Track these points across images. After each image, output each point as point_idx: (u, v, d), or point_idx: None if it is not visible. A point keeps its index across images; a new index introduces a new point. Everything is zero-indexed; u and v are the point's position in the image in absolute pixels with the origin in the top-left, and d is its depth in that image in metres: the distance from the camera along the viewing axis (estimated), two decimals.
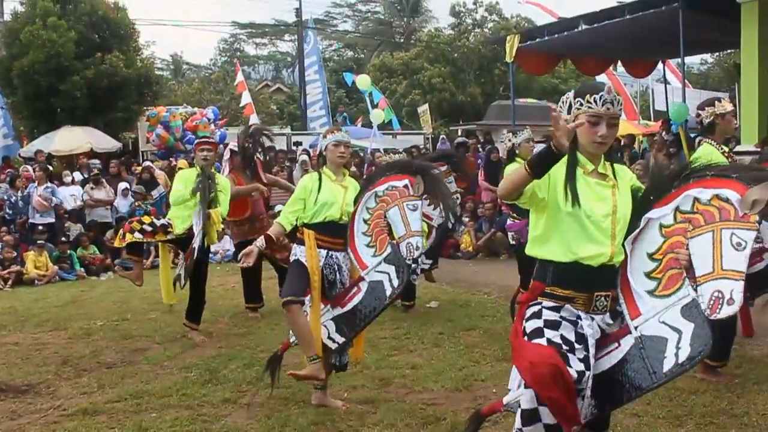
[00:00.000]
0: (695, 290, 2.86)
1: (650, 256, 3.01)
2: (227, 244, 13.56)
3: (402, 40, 42.89)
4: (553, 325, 2.98)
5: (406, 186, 4.71)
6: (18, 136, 19.11)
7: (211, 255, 13.57)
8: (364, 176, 15.12)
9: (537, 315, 3.03)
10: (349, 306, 4.78)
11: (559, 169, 2.94)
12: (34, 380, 5.89)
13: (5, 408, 5.22)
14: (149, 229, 7.07)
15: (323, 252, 4.90)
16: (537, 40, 14.36)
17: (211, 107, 19.60)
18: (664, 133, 15.10)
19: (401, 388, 5.34)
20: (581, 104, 2.98)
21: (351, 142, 5.18)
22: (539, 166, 2.83)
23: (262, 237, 4.91)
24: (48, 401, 5.36)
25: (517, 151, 6.88)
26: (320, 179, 4.97)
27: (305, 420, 4.65)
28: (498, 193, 3.09)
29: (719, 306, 2.75)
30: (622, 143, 15.93)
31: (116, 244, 7.30)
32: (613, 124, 2.99)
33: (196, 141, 7.52)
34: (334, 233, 4.90)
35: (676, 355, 2.90)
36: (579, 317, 3.01)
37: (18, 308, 9.39)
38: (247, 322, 7.83)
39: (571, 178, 2.95)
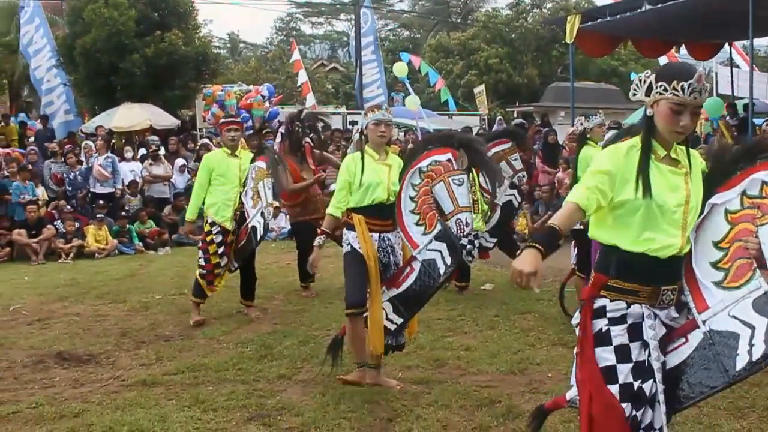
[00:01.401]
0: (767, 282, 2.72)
1: (716, 244, 2.83)
2: (282, 222, 13.68)
3: (459, 20, 42.52)
4: (625, 356, 2.77)
5: (449, 160, 4.64)
6: (80, 113, 19.51)
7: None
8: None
9: (606, 338, 2.79)
10: (404, 286, 4.76)
11: (629, 157, 2.77)
12: (95, 350, 6.04)
13: (68, 376, 5.38)
14: (224, 261, 6.96)
15: (375, 236, 4.84)
16: (598, 20, 14.07)
17: (266, 84, 19.68)
18: (728, 117, 14.72)
19: (456, 369, 5.32)
20: (665, 89, 2.69)
21: (392, 121, 5.05)
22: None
23: (321, 235, 4.97)
24: (108, 371, 5.49)
25: (588, 136, 6.74)
26: (363, 160, 4.86)
27: (360, 398, 4.67)
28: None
29: None
30: None
31: (209, 293, 7.05)
32: (697, 113, 2.76)
33: (221, 121, 7.28)
34: (384, 215, 4.85)
35: (750, 352, 2.73)
36: (642, 317, 2.80)
37: (79, 280, 9.63)
38: (302, 300, 7.88)
39: (644, 168, 2.73)
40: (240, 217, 6.94)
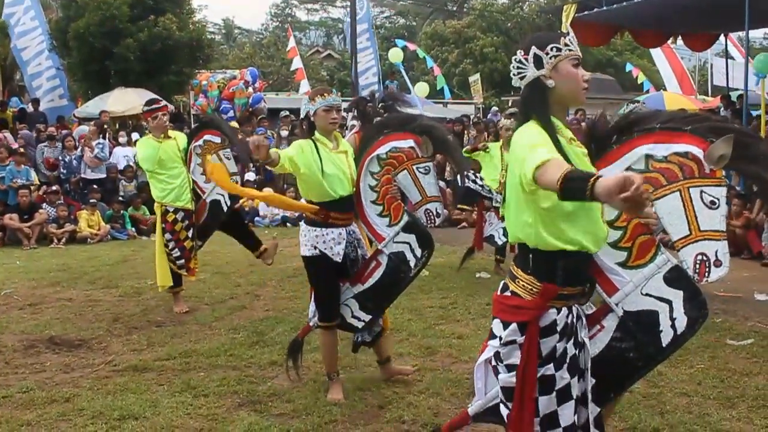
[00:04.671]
0: (676, 255, 2.71)
1: (611, 224, 2.73)
2: (276, 208, 13.68)
3: (455, 8, 42.38)
4: (575, 367, 2.58)
5: (412, 148, 4.39)
6: (73, 98, 19.41)
7: (258, 219, 13.78)
8: None
9: (563, 358, 2.55)
10: (370, 282, 4.51)
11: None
12: (86, 335, 6.04)
13: (59, 361, 5.37)
14: (184, 247, 6.82)
15: (343, 231, 4.45)
16: (595, 10, 13.96)
17: (250, 69, 19.54)
18: (722, 109, 14.72)
19: (447, 357, 5.33)
20: (559, 50, 2.53)
21: (342, 106, 4.62)
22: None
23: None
24: (100, 356, 5.49)
25: None
26: (317, 149, 4.35)
27: (351, 385, 4.67)
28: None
29: (707, 269, 2.67)
30: None
31: (192, 278, 7.02)
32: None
33: (144, 110, 6.89)
34: (348, 208, 4.49)
35: (673, 326, 2.76)
36: (577, 317, 2.62)
37: (71, 265, 9.60)
38: (294, 287, 7.87)
39: (562, 150, 2.43)
40: (195, 195, 6.88)
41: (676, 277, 2.75)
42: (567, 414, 2.55)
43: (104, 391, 4.66)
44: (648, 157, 2.73)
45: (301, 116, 4.52)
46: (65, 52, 18.31)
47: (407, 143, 4.41)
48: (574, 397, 2.56)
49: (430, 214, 4.49)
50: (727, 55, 17.39)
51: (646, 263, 2.78)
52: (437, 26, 37.36)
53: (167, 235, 6.77)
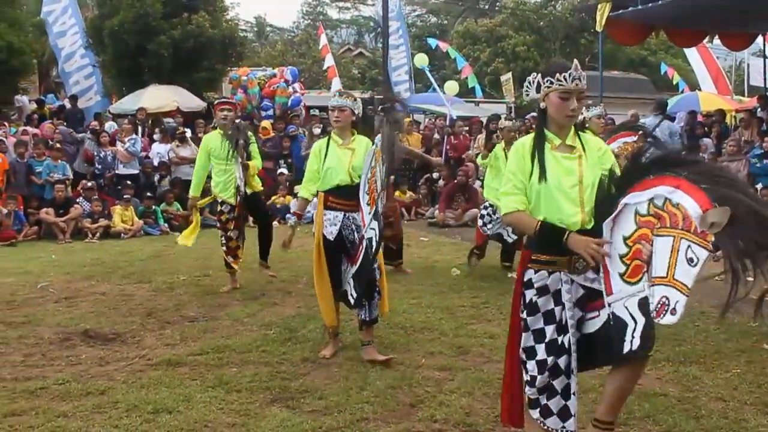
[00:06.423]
0: (649, 289, 2.97)
1: (625, 240, 3.11)
2: (308, 206, 13.67)
3: (487, 7, 42.19)
4: (550, 318, 3.24)
5: None
6: (107, 94, 19.60)
7: (289, 215, 13.80)
8: (446, 146, 14.97)
9: (536, 307, 3.26)
10: (358, 263, 5.05)
11: (528, 148, 3.25)
12: (120, 329, 6.10)
13: (94, 354, 5.43)
14: (236, 234, 7.52)
15: (340, 215, 5.16)
16: (630, 9, 13.82)
17: (290, 68, 19.54)
18: (759, 109, 14.49)
19: (479, 357, 5.31)
20: (551, 83, 3.17)
21: (347, 106, 5.18)
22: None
23: (293, 216, 5.52)
24: (133, 350, 5.55)
25: (587, 125, 6.60)
26: (328, 144, 5.19)
27: (383, 383, 4.67)
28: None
29: (664, 311, 2.88)
30: (713, 119, 15.35)
31: (235, 266, 7.63)
32: (582, 98, 3.22)
33: (215, 102, 7.82)
34: (348, 196, 5.09)
35: (631, 342, 3.05)
36: (561, 283, 3.24)
37: (105, 260, 9.72)
38: None
39: (539, 156, 3.22)
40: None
41: (644, 304, 3.00)
42: (542, 351, 3.23)
43: (138, 385, 4.71)
44: (666, 198, 2.97)
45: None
46: (100, 49, 18.49)
47: None
48: (547, 339, 3.22)
49: (382, 200, 4.89)
50: (765, 55, 17.09)
51: (634, 283, 3.08)
52: (469, 25, 37.16)
53: (218, 224, 7.57)
